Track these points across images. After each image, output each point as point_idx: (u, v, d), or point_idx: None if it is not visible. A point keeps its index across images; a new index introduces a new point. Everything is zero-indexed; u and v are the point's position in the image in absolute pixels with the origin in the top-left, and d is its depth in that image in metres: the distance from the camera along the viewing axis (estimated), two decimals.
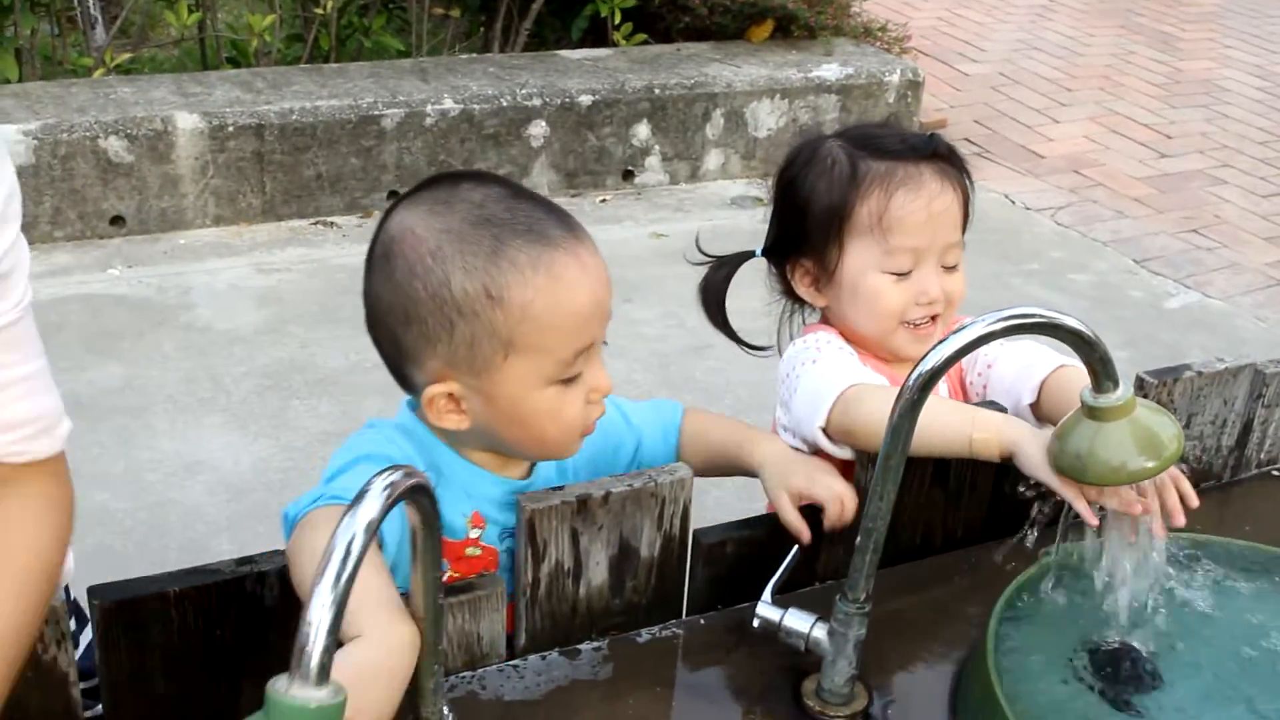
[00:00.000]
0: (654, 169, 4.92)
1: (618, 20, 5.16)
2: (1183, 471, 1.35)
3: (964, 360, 1.56)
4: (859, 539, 1.18)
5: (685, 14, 5.21)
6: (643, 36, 5.24)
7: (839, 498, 1.38)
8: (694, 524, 1.37)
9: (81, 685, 1.16)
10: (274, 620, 1.19)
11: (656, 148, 4.89)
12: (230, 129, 4.23)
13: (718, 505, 1.87)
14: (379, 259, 1.30)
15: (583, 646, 1.32)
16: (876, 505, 1.16)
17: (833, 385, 1.48)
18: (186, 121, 4.19)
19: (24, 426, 1.06)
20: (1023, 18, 7.37)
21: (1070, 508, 1.31)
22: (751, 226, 3.46)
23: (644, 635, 1.34)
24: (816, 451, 1.50)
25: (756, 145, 5.04)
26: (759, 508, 1.45)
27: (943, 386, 1.68)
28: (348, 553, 0.71)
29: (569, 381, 1.30)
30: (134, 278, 4.01)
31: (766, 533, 1.40)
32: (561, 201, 2.76)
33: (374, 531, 0.78)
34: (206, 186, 4.28)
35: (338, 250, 4.26)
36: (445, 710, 1.08)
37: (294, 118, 4.31)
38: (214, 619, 1.17)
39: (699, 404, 1.68)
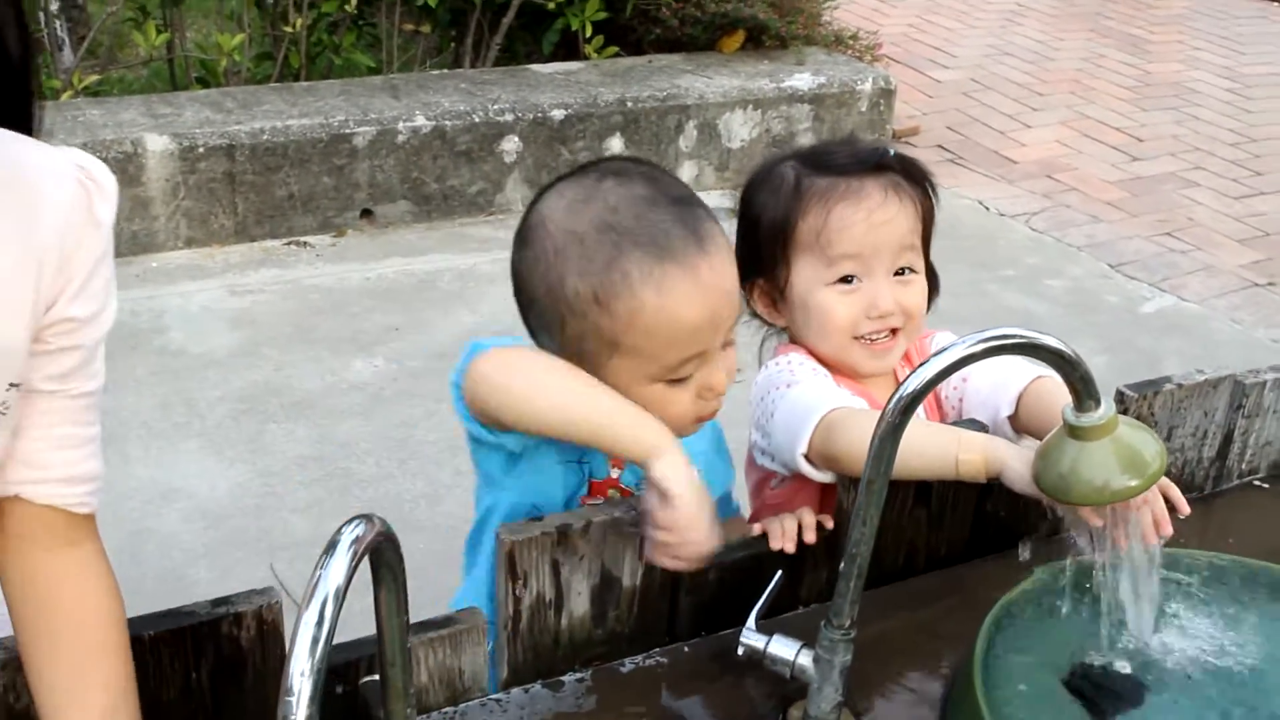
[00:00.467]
0: None
1: (589, 33, 5.14)
2: None
3: None
4: (843, 564, 1.16)
5: (656, 26, 5.21)
6: (614, 49, 5.23)
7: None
8: None
9: None
10: (249, 662, 1.17)
11: None
12: (201, 150, 4.20)
13: None
14: (521, 239, 1.40)
15: (565, 678, 1.30)
16: (860, 530, 1.14)
17: (812, 410, 1.47)
18: (156, 143, 4.16)
19: (95, 480, 1.18)
20: (993, 23, 7.40)
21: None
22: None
23: (628, 665, 1.32)
24: (797, 476, 1.48)
25: (730, 156, 5.04)
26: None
27: None
28: (320, 618, 0.69)
29: (677, 381, 1.36)
30: None
31: (750, 558, 1.39)
32: None
33: (343, 597, 0.76)
34: (178, 208, 4.24)
35: (311, 270, 4.22)
36: None
37: (265, 137, 4.28)
38: (190, 662, 1.15)
39: None
